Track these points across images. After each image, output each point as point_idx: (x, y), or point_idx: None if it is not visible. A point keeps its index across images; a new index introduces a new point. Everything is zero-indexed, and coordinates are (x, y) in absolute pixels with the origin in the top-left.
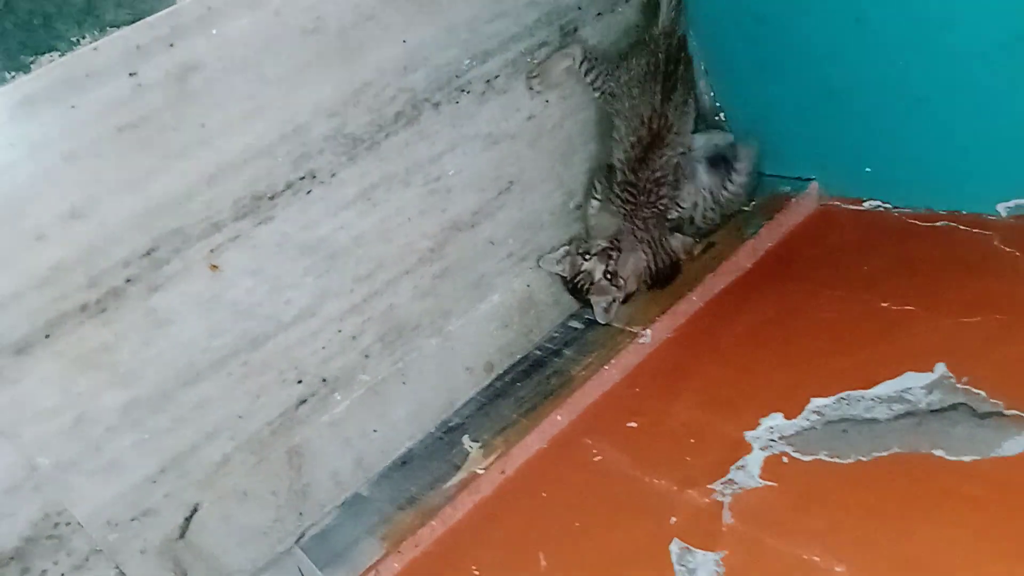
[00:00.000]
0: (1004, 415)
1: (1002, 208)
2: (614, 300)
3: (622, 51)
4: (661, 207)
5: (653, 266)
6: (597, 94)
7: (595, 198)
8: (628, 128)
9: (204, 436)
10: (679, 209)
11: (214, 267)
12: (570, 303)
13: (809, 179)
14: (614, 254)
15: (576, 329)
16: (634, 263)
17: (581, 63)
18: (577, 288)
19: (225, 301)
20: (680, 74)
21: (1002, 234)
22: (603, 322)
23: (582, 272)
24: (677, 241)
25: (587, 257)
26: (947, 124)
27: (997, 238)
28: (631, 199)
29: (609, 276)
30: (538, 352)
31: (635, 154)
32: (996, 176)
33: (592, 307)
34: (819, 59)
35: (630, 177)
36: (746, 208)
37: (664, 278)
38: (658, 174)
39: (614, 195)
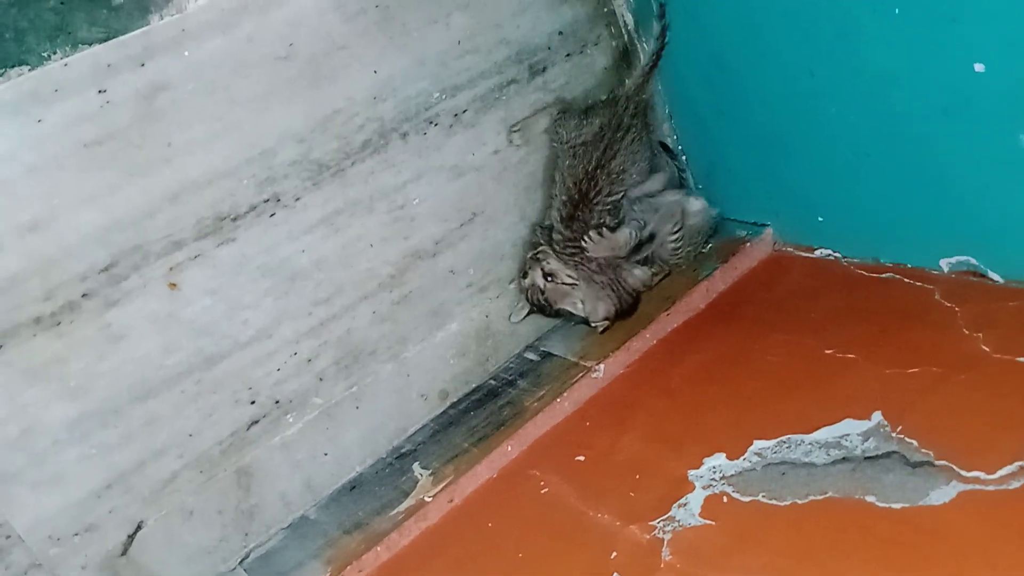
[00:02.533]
0: (934, 465)
1: (944, 264)
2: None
3: (588, 106)
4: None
5: (617, 305)
6: (556, 145)
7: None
8: (563, 185)
9: (152, 453)
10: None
11: (172, 285)
12: (527, 334)
13: (765, 225)
14: (540, 255)
15: (532, 361)
16: (603, 306)
17: (556, 117)
18: (542, 305)
19: (182, 319)
20: (625, 143)
21: (943, 288)
22: (594, 323)
23: (529, 290)
24: (636, 276)
25: (524, 277)
26: (892, 179)
27: (938, 292)
28: (574, 250)
29: (549, 277)
30: (493, 382)
31: (565, 212)
32: (939, 232)
33: (573, 315)
34: (775, 108)
35: (565, 233)
36: (703, 250)
37: (628, 311)
38: (591, 225)
39: (559, 250)
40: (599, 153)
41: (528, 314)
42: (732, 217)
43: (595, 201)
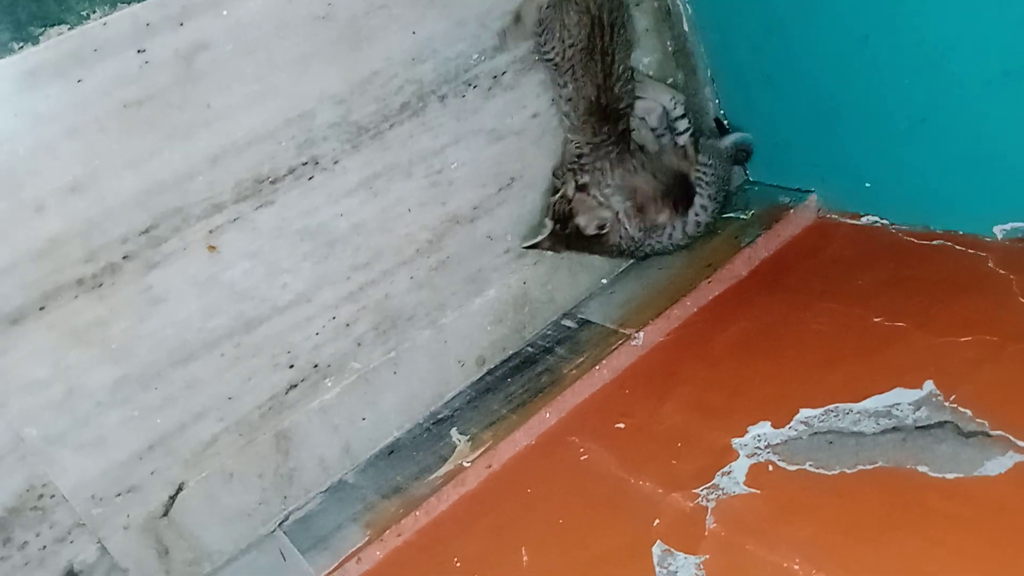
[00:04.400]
0: (989, 435)
1: (998, 230)
2: (606, 219)
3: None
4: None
5: (657, 184)
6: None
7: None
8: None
9: (193, 416)
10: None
11: (212, 248)
12: (564, 301)
13: (809, 191)
14: (577, 171)
15: (569, 328)
16: (636, 182)
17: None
18: (564, 218)
19: (222, 282)
20: (619, 42)
21: (997, 256)
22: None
23: (557, 202)
24: (672, 156)
25: (554, 193)
26: (947, 145)
27: (992, 259)
28: (606, 133)
29: (582, 188)
30: (530, 349)
31: (591, 126)
32: (993, 198)
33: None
34: (825, 73)
35: (596, 112)
36: (744, 216)
37: (679, 193)
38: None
39: (590, 152)
40: (602, 65)
41: (541, 241)
42: (776, 183)
43: (621, 111)
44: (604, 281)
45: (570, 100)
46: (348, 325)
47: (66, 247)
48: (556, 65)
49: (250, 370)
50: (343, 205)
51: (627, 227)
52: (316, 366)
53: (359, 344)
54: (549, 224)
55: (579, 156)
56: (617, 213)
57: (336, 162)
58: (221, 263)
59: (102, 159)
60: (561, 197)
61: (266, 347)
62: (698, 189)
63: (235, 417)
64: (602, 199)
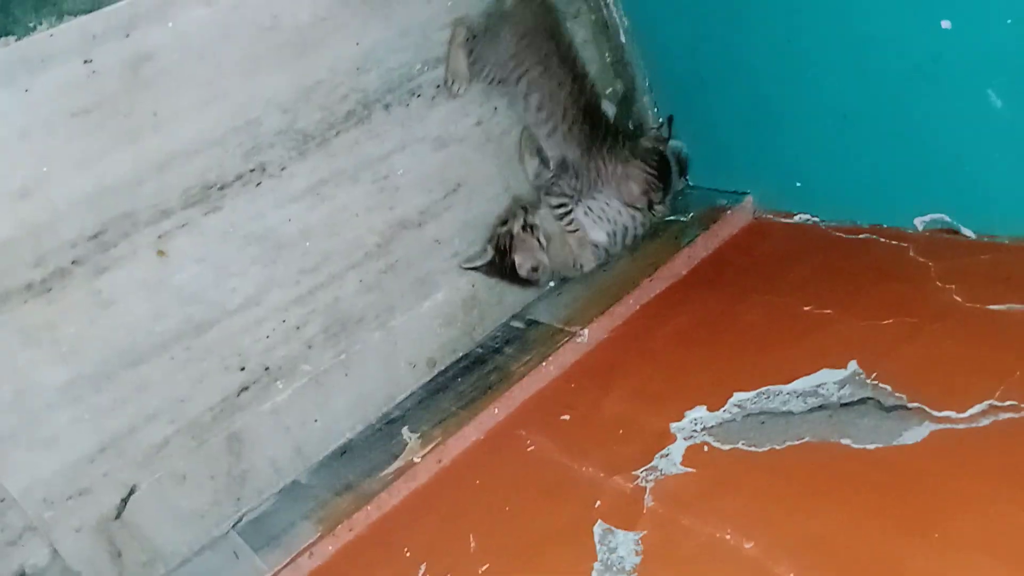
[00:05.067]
0: (907, 408)
1: (919, 222)
2: (540, 263)
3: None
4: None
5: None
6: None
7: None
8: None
9: (144, 418)
10: None
11: (161, 252)
12: (513, 303)
13: (745, 193)
14: (528, 208)
15: (518, 328)
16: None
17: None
18: (503, 252)
19: (171, 286)
20: (564, 46)
21: (918, 245)
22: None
23: (502, 235)
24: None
25: (502, 224)
26: (869, 141)
27: (913, 249)
28: (594, 134)
29: (529, 228)
30: (480, 349)
31: (584, 142)
32: (914, 192)
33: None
34: (756, 77)
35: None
36: (684, 218)
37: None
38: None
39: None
40: (567, 76)
41: (479, 265)
42: (713, 186)
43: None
44: (551, 283)
45: (546, 112)
46: (298, 328)
47: (15, 252)
48: (503, 81)
49: (201, 373)
50: (291, 210)
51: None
52: (267, 368)
53: (309, 347)
54: (490, 251)
55: (565, 170)
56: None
57: (283, 168)
58: (170, 267)
59: (50, 165)
60: (506, 231)
61: (216, 350)
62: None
63: (187, 419)
64: (543, 242)
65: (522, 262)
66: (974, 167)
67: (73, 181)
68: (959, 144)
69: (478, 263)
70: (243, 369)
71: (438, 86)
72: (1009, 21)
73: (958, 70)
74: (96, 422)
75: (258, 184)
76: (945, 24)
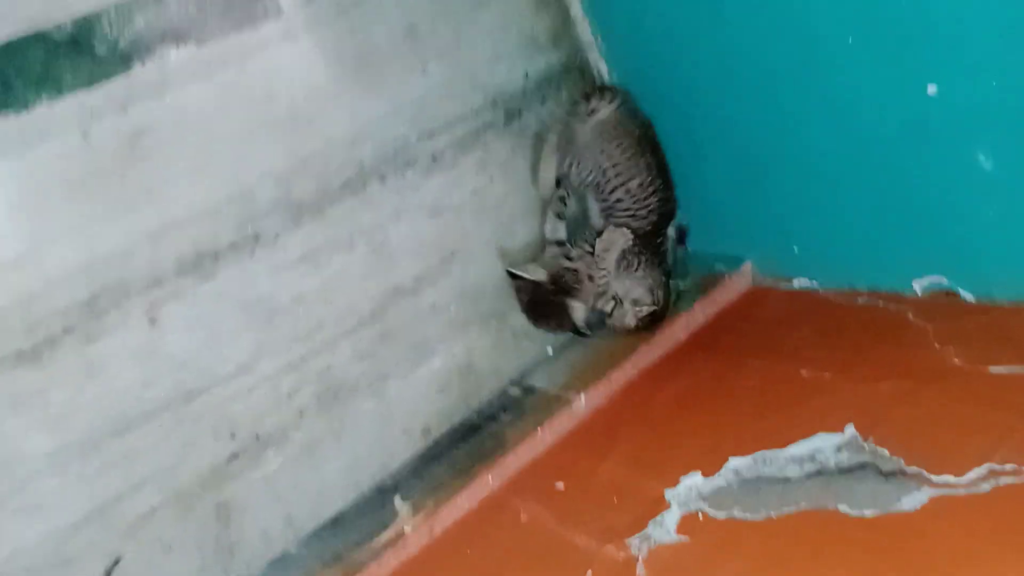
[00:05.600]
0: (905, 472)
1: (917, 285)
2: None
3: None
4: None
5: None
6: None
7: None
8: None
9: (131, 486)
10: None
11: (153, 321)
12: (510, 370)
13: (743, 258)
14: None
15: (514, 395)
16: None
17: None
18: (562, 289)
19: (162, 354)
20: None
21: (916, 308)
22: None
23: (568, 271)
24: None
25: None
26: (863, 206)
27: (911, 312)
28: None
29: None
30: (475, 417)
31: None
32: (910, 255)
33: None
34: (748, 144)
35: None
36: (684, 284)
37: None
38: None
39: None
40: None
41: (526, 279)
42: (712, 252)
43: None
44: (549, 349)
45: (628, 198)
46: (290, 395)
47: (5, 319)
48: (598, 185)
49: (189, 440)
50: (284, 278)
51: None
52: (258, 436)
53: (301, 414)
54: (543, 275)
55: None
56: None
57: (277, 237)
58: (162, 335)
59: (44, 234)
60: (574, 271)
61: (206, 417)
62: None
63: (174, 488)
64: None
65: (577, 309)
66: (969, 230)
67: (66, 251)
68: (953, 207)
69: (529, 275)
70: (233, 437)
71: (434, 157)
72: (994, 83)
73: (947, 133)
74: (82, 490)
75: (252, 253)
76: (931, 89)
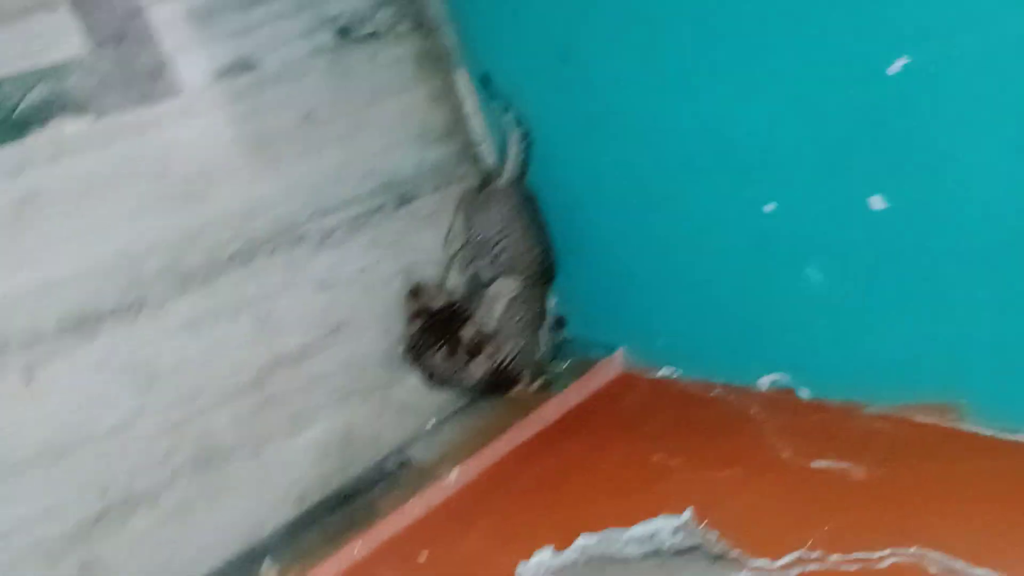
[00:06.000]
0: (728, 556)
1: (762, 381)
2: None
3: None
4: None
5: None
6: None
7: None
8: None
9: None
10: None
11: (29, 378)
12: (390, 441)
13: (616, 346)
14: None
15: (391, 466)
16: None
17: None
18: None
19: (36, 411)
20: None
21: (759, 403)
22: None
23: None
24: None
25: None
26: (714, 308)
27: (755, 406)
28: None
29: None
30: (351, 486)
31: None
32: (755, 355)
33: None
34: (619, 248)
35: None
36: (558, 368)
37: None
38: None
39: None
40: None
41: (420, 320)
42: (589, 339)
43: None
44: (432, 422)
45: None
46: (165, 457)
47: None
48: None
49: (58, 496)
50: (167, 344)
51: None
52: (129, 496)
53: (175, 476)
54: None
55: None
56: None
57: (163, 303)
58: (37, 393)
59: None
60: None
61: (77, 475)
62: None
63: (38, 543)
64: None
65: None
66: (804, 334)
67: None
68: (790, 313)
69: (419, 319)
70: (103, 495)
71: (324, 234)
72: (823, 206)
73: (783, 248)
74: None
75: (136, 317)
76: (769, 207)
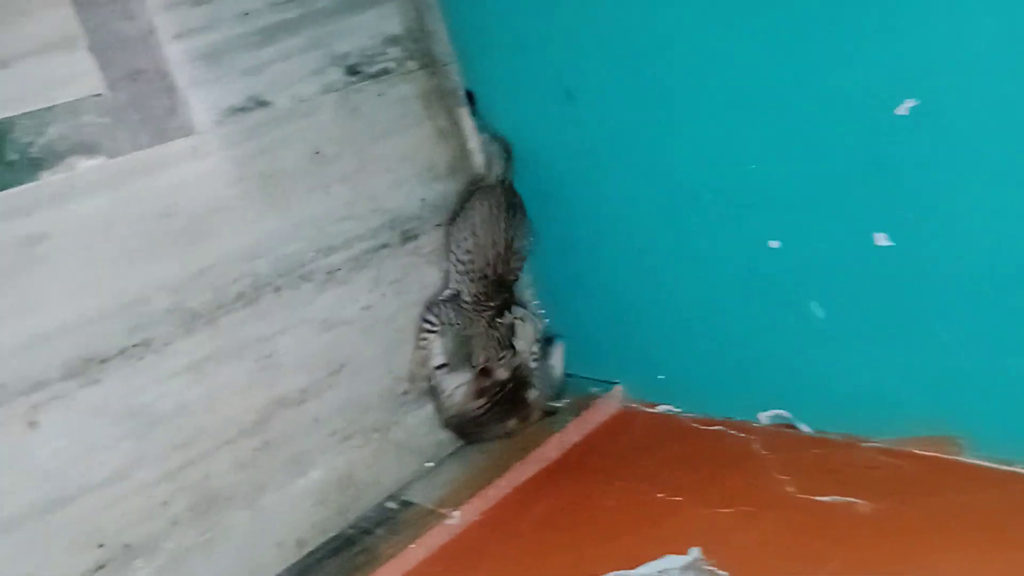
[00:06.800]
0: None
1: (762, 417)
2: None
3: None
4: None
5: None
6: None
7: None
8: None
9: None
10: None
11: (31, 424)
12: (389, 484)
13: (615, 383)
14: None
15: (391, 510)
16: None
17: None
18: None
19: (33, 459)
20: (517, 221)
21: (761, 438)
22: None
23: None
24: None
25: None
26: (715, 344)
27: (757, 442)
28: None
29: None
30: (351, 530)
31: (479, 289)
32: (756, 390)
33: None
34: (620, 282)
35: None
36: (558, 405)
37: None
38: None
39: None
40: (503, 235)
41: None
42: (588, 376)
43: (510, 281)
44: (431, 464)
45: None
46: (164, 504)
47: None
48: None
49: (55, 548)
50: (170, 386)
51: None
52: (127, 546)
53: (174, 523)
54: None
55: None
56: None
57: (167, 344)
58: (37, 440)
59: None
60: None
61: (74, 525)
62: None
63: None
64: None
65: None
66: (806, 369)
67: None
68: (792, 348)
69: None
70: (101, 546)
71: (329, 272)
72: (826, 244)
73: (786, 284)
74: None
75: (140, 359)
76: (773, 244)
